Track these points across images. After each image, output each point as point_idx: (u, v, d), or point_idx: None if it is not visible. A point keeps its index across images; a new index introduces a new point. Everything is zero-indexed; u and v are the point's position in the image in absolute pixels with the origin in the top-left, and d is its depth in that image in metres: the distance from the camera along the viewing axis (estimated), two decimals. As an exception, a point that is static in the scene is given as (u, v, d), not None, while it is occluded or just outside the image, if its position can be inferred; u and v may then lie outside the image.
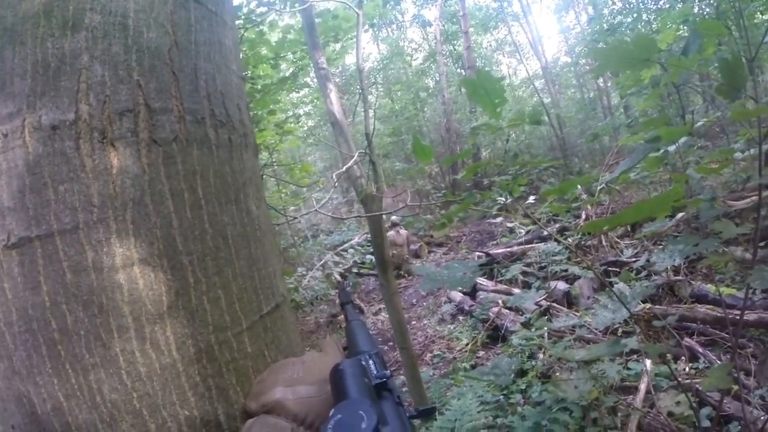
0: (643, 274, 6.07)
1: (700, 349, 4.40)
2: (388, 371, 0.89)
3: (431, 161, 2.20)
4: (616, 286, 4.98)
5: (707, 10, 13.51)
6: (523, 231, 10.32)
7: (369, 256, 10.18)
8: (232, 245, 1.06)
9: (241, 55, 1.31)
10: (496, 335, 6.59)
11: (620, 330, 5.12)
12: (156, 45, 1.03)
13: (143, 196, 0.94)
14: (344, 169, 3.15)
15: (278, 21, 6.04)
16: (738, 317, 3.70)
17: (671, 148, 3.39)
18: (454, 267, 2.29)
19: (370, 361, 0.91)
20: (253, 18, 5.01)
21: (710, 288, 5.22)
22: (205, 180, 1.03)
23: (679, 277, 5.63)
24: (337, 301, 1.51)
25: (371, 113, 3.84)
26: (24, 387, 0.92)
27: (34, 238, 0.90)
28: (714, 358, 4.25)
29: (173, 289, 0.95)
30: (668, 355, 3.98)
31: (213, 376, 0.97)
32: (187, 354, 0.95)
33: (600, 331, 5.19)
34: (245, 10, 4.94)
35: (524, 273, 7.84)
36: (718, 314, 4.63)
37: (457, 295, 8.04)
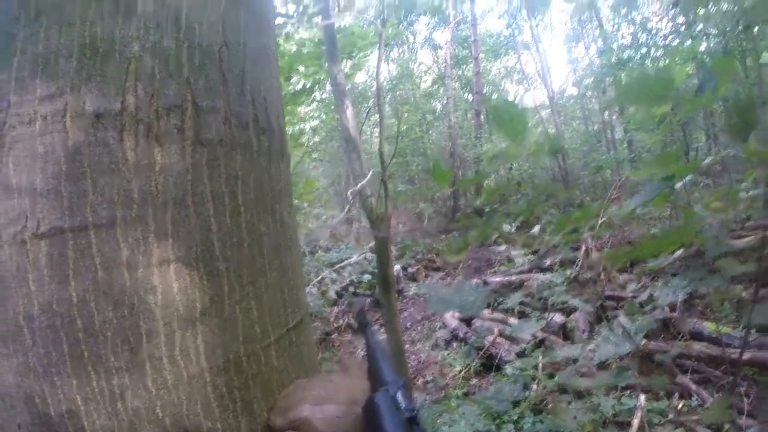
0: (642, 298, 6.03)
1: (694, 387, 4.36)
2: (415, 403, 0.86)
3: (446, 185, 2.19)
4: (617, 319, 4.95)
5: (714, 46, 13.67)
6: (521, 260, 10.28)
7: (366, 276, 10.12)
8: (266, 255, 1.02)
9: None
10: (490, 364, 6.51)
11: (614, 365, 5.06)
12: (207, 43, 1.01)
13: (185, 197, 0.91)
14: (358, 187, 3.13)
15: (294, 33, 6.06)
16: (733, 356, 3.70)
17: (678, 185, 3.38)
18: (465, 290, 2.26)
19: (399, 393, 0.88)
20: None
21: (706, 326, 5.18)
22: (245, 186, 1.00)
23: (678, 314, 5.59)
24: (355, 320, 1.46)
25: (375, 136, 3.82)
26: (38, 386, 0.87)
27: (67, 229, 0.86)
28: (707, 396, 4.21)
29: (208, 295, 0.92)
30: (661, 391, 3.94)
31: (239, 389, 0.94)
32: (216, 364, 0.92)
33: (594, 366, 5.13)
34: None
35: (521, 303, 7.79)
36: (713, 353, 4.60)
37: (452, 321, 7.96)
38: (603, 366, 5.06)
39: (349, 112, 3.60)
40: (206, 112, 0.96)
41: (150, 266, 0.87)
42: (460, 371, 6.66)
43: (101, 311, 0.86)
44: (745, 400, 4.01)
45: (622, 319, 4.77)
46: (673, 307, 5.71)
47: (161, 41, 0.95)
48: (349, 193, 3.19)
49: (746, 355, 4.23)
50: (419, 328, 8.78)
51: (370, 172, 3.16)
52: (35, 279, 0.86)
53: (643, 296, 5.30)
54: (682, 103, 2.09)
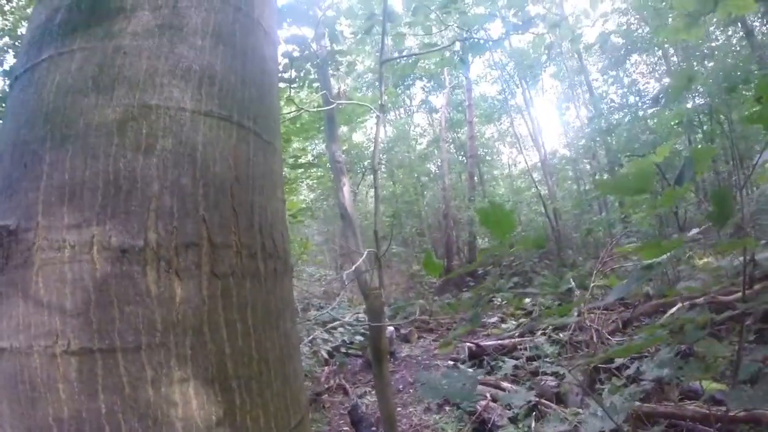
0: (630, 371, 6.05)
1: None
2: None
3: (438, 276, 2.30)
4: (605, 392, 4.99)
5: (700, 103, 13.99)
6: (513, 323, 10.31)
7: (358, 337, 10.10)
8: (272, 368, 1.14)
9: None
10: (483, 429, 6.49)
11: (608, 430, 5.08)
12: (220, 180, 1.11)
13: (202, 326, 1.02)
14: (353, 268, 3.26)
15: (295, 97, 6.25)
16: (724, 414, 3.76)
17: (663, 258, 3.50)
18: (454, 376, 2.35)
19: None
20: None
21: (701, 384, 5.20)
22: (254, 311, 1.12)
23: (669, 381, 5.61)
24: (349, 416, 1.55)
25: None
26: None
27: (96, 351, 0.96)
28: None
29: (222, 409, 1.02)
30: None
31: None
32: None
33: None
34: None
35: (514, 366, 7.80)
36: (705, 411, 4.63)
37: (444, 385, 7.95)
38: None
39: (346, 189, 3.75)
40: (220, 247, 1.07)
41: (172, 385, 0.98)
42: (452, 436, 6.63)
43: (128, 421, 0.95)
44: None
45: (606, 394, 4.81)
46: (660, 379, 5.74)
47: (179, 180, 1.05)
48: (344, 275, 3.28)
49: (742, 413, 4.25)
50: (411, 390, 8.74)
51: (365, 252, 3.28)
52: (65, 389, 0.96)
53: (631, 370, 5.35)
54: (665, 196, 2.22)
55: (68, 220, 1.00)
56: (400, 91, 23.18)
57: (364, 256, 3.27)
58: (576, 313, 9.11)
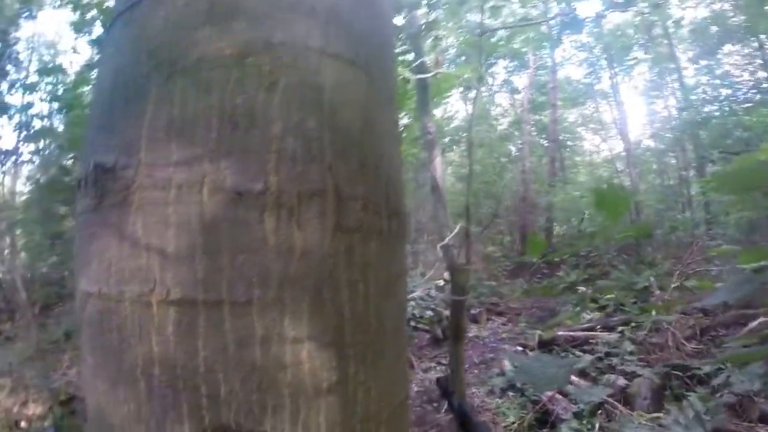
0: (718, 381, 5.78)
1: None
2: None
3: (539, 255, 2.20)
4: (689, 399, 4.77)
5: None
6: (587, 316, 10.04)
7: (428, 312, 10.07)
8: (387, 338, 1.05)
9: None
10: (545, 419, 6.34)
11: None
12: (348, 127, 1.00)
13: (322, 284, 0.93)
14: (446, 240, 3.17)
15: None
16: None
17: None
18: (546, 361, 2.23)
19: None
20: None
21: None
22: (376, 273, 1.02)
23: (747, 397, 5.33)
24: (438, 387, 1.46)
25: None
26: None
27: (200, 302, 0.88)
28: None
29: (335, 376, 0.94)
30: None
31: None
32: None
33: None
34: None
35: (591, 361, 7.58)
36: None
37: (510, 370, 7.83)
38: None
39: (438, 161, 3.65)
40: (347, 198, 0.97)
41: (284, 346, 0.89)
42: (513, 422, 6.52)
43: (228, 382, 0.87)
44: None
45: (693, 400, 4.59)
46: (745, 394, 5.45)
47: (304, 122, 0.94)
48: (438, 246, 3.20)
49: None
50: (476, 371, 8.65)
51: (458, 226, 3.19)
52: (159, 342, 0.88)
53: (719, 380, 5.08)
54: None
55: (177, 156, 0.90)
56: (483, 69, 22.78)
57: (456, 230, 3.17)
58: (655, 313, 8.81)
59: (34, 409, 5.68)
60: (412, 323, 10.12)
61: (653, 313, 8.72)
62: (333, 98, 0.99)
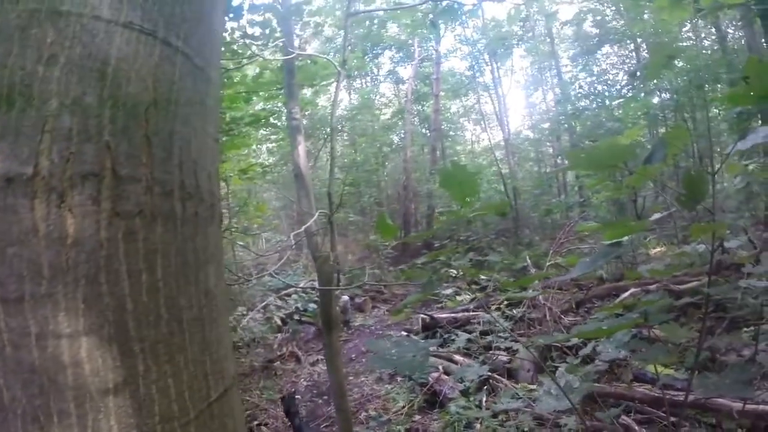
0: (585, 351, 6.07)
1: (637, 428, 4.40)
2: None
3: (392, 239, 2.17)
4: (559, 370, 4.97)
5: (667, 98, 14.18)
6: (468, 297, 10.31)
7: (312, 305, 10.01)
8: (186, 330, 0.96)
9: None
10: (434, 400, 6.46)
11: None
12: (133, 102, 0.91)
13: (98, 274, 0.84)
14: (302, 229, 3.09)
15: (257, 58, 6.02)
16: (675, 398, 3.79)
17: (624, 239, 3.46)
18: (405, 346, 2.22)
19: None
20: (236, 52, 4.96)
21: (649, 369, 5.24)
22: (165, 260, 0.93)
23: (621, 362, 5.64)
24: (283, 407, 1.36)
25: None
26: None
27: None
28: (651, 434, 4.25)
29: (121, 376, 0.86)
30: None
31: None
32: None
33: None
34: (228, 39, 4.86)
35: (467, 340, 7.78)
36: (656, 394, 4.66)
37: (397, 356, 7.91)
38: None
39: (301, 148, 3.57)
40: (126, 181, 0.88)
41: (60, 346, 0.81)
42: (403, 407, 6.58)
43: (10, 388, 0.79)
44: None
45: (562, 371, 4.78)
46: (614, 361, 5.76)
47: (83, 98, 0.86)
48: (291, 236, 3.13)
49: (690, 397, 4.28)
50: (363, 360, 8.68)
51: (316, 213, 3.12)
52: None
53: (586, 350, 5.33)
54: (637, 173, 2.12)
55: None
56: (368, 59, 22.91)
57: (315, 217, 3.10)
58: (531, 290, 9.17)
59: None
60: (296, 317, 10.04)
61: (530, 291, 9.08)
62: (118, 71, 0.90)
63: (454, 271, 10.66)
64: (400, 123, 23.62)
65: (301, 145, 3.59)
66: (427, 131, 23.75)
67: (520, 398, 5.46)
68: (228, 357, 1.11)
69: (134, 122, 0.91)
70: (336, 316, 3.57)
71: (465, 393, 6.26)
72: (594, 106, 17.84)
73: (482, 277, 10.65)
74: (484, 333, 7.91)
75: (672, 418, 3.47)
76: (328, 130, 17.47)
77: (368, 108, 22.69)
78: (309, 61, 5.96)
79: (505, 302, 8.75)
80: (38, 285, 0.80)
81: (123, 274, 0.86)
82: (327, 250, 3.19)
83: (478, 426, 5.37)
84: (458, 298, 10.60)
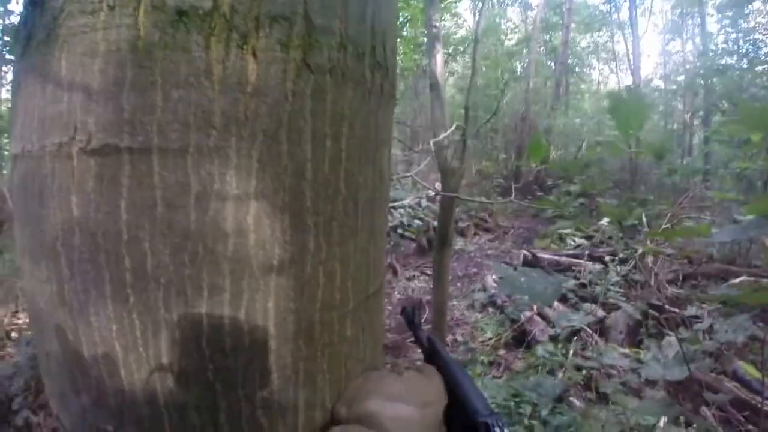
0: (702, 326, 5.77)
1: (714, 423, 4.14)
2: None
3: (539, 161, 2.01)
4: (668, 339, 4.72)
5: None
6: (574, 242, 10.00)
7: (417, 221, 10.02)
8: (360, 212, 0.85)
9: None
10: (522, 339, 6.40)
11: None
12: None
13: (279, 130, 0.72)
14: (440, 137, 2.95)
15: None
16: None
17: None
18: (534, 277, 2.09)
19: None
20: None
21: (744, 367, 4.89)
22: (351, 129, 0.81)
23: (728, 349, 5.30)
24: (403, 317, 1.27)
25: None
26: (72, 321, 0.75)
27: (124, 150, 0.68)
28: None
29: (289, 252, 0.75)
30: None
31: (305, 359, 0.80)
32: (285, 331, 0.77)
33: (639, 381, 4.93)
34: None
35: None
36: (742, 395, 4.35)
37: (492, 286, 7.85)
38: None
39: (439, 57, 3.39)
40: (319, 31, 0.75)
41: (223, 210, 0.70)
42: (490, 338, 6.57)
43: (156, 253, 0.70)
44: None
45: (673, 340, 4.52)
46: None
47: None
48: (431, 142, 2.99)
49: None
50: (458, 284, 8.69)
51: (453, 125, 2.97)
52: (80, 203, 0.71)
53: (704, 325, 5.01)
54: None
55: None
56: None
57: (452, 129, 2.94)
58: (640, 250, 8.76)
59: (24, 318, 5.63)
60: (399, 231, 10.06)
61: (639, 249, 8.67)
62: None
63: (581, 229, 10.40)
64: (524, 51, 22.72)
65: (439, 54, 3.41)
66: (553, 64, 22.77)
67: (627, 358, 5.24)
68: (384, 250, 1.02)
69: None
70: (452, 233, 3.47)
71: (554, 339, 6.15)
72: (737, 66, 16.35)
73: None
74: (586, 282, 7.67)
75: (750, 426, 3.21)
76: (451, 49, 17.09)
77: (493, 31, 21.89)
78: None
79: (613, 257, 8.39)
80: (206, 136, 0.69)
81: (307, 135, 0.74)
82: (457, 165, 3.06)
83: (560, 375, 5.25)
84: (561, 241, 10.32)
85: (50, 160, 0.73)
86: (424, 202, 10.82)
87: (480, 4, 23.69)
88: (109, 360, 0.74)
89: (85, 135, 0.69)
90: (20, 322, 5.62)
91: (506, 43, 23.63)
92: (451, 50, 17.41)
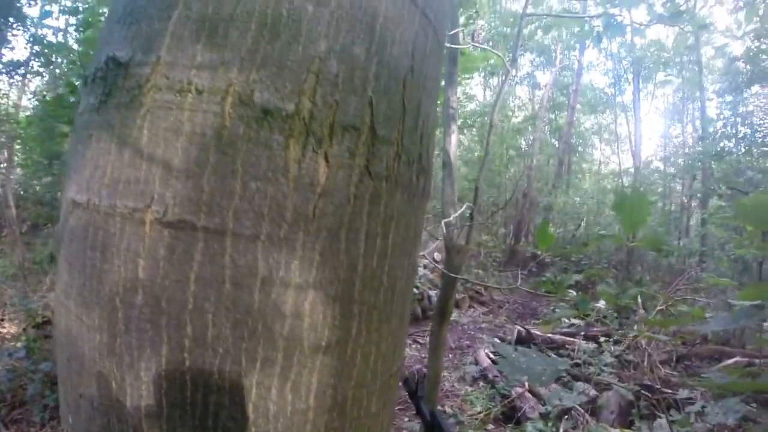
0: (694, 408, 5.76)
1: None
2: None
3: (547, 248, 2.10)
4: (658, 420, 4.73)
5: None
6: (568, 320, 10.02)
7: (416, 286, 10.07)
8: (396, 300, 0.95)
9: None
10: (512, 415, 6.35)
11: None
12: (395, 64, 0.89)
13: (340, 229, 0.82)
14: (452, 218, 3.07)
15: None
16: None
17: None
18: (533, 358, 2.16)
19: None
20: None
21: None
22: (397, 229, 0.92)
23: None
24: (404, 387, 1.30)
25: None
26: (119, 372, 0.81)
27: (200, 228, 0.76)
28: None
29: (335, 336, 0.85)
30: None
31: (336, 430, 0.88)
32: (323, 404, 0.85)
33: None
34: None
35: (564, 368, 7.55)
36: None
37: (484, 360, 7.83)
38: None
39: (454, 137, 3.54)
40: (381, 141, 0.86)
41: (285, 295, 0.79)
42: (480, 412, 6.52)
43: (218, 325, 0.77)
44: None
45: (664, 423, 4.53)
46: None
47: (351, 48, 0.82)
48: (442, 222, 3.10)
49: None
50: (450, 356, 8.66)
51: (464, 206, 3.09)
52: (147, 267, 0.78)
53: (696, 407, 5.03)
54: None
55: (201, 58, 0.77)
56: (508, 59, 22.56)
57: (464, 208, 3.07)
58: (636, 328, 8.79)
59: (8, 329, 5.60)
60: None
61: (634, 328, 8.71)
62: (385, 29, 0.87)
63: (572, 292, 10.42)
64: (530, 128, 23.16)
65: (454, 134, 3.56)
66: (557, 142, 23.17)
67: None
68: (406, 333, 1.10)
69: (395, 84, 0.89)
70: (451, 308, 3.54)
71: (544, 416, 6.12)
72: (736, 150, 16.70)
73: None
74: (580, 361, 7.67)
75: None
76: (460, 122, 17.42)
77: (502, 107, 22.36)
78: (470, 52, 5.89)
79: (607, 338, 8.42)
80: (278, 227, 0.78)
81: (362, 235, 0.85)
82: (462, 243, 3.16)
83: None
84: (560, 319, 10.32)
85: (120, 221, 0.79)
86: (421, 270, 10.87)
87: (491, 79, 24.40)
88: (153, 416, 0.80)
89: (162, 206, 0.77)
90: (4, 331, 5.56)
91: (513, 120, 24.09)
92: (459, 123, 17.71)
